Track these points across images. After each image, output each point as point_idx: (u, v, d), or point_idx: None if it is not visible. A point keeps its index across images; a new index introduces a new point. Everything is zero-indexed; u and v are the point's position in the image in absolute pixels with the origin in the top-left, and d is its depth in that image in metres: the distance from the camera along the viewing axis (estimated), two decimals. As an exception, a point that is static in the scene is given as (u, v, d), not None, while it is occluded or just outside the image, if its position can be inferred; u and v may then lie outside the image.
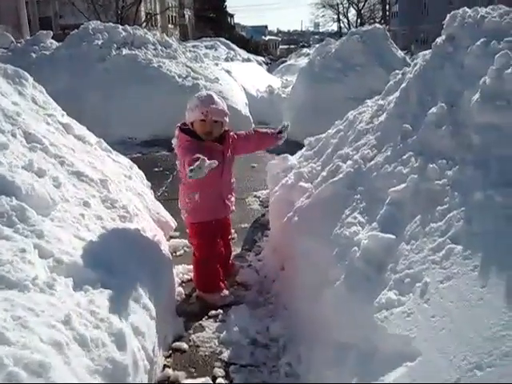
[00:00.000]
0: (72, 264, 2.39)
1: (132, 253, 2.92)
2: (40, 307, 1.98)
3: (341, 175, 3.43)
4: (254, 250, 4.53)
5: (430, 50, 3.96)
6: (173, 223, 4.20)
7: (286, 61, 24.96)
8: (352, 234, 2.91)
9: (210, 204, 3.58)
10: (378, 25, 10.37)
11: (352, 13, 68.48)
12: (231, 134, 3.69)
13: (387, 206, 2.90)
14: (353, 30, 10.46)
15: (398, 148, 3.28)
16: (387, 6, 60.38)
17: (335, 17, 64.44)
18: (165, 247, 3.50)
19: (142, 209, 3.73)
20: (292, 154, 4.94)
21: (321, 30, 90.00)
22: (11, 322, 1.81)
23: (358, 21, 60.57)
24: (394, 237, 2.68)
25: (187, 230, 3.85)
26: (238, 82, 11.86)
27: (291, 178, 4.14)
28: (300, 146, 4.97)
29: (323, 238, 3.15)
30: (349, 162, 3.53)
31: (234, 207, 3.85)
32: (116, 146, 8.94)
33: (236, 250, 4.51)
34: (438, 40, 3.92)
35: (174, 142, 3.57)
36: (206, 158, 2.90)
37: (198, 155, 2.93)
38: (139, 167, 7.48)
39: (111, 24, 11.03)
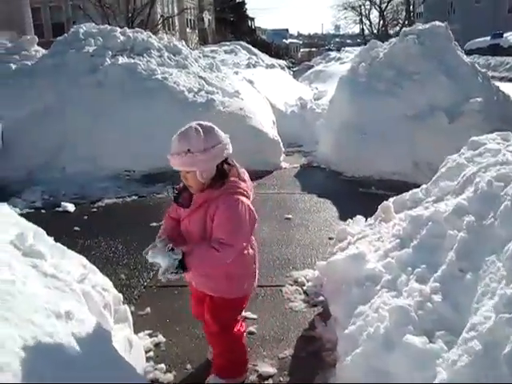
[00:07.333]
0: None
1: None
2: None
3: None
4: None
5: None
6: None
7: (312, 66, 22.71)
8: None
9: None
10: (438, 22, 8.21)
11: (374, 14, 66.23)
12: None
13: None
14: (405, 29, 8.37)
15: None
16: (411, 7, 57.90)
17: (357, 19, 62.05)
18: None
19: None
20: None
21: (341, 33, 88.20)
22: None
23: (381, 23, 58.47)
24: None
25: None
26: (263, 94, 9.80)
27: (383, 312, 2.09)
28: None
29: None
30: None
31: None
32: (107, 182, 6.85)
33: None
34: None
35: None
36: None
37: None
38: (130, 222, 5.46)
39: (107, 26, 9.01)
